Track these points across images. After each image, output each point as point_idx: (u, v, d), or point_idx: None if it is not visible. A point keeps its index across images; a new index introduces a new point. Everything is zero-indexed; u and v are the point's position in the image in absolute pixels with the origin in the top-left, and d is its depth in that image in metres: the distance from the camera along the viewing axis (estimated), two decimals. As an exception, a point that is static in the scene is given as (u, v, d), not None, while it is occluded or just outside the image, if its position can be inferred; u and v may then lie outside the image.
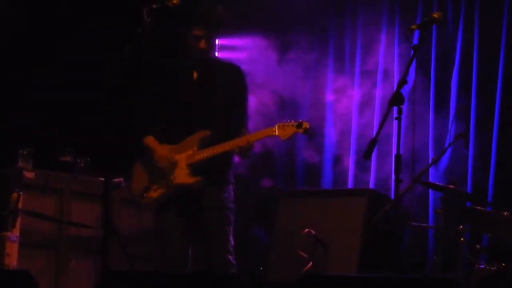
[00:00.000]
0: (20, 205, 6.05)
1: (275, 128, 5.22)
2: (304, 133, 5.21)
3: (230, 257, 5.35)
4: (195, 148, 5.33)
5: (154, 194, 5.38)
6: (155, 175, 5.41)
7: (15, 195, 6.06)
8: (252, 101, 6.46)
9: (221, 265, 5.29)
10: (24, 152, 6.40)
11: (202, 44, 5.35)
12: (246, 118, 5.51)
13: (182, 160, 5.34)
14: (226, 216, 5.40)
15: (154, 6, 4.83)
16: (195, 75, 5.47)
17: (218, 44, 8.10)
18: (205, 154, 5.30)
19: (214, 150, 5.29)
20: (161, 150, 5.38)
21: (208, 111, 5.40)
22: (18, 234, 6.05)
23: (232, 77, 5.50)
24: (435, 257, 6.29)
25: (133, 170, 5.52)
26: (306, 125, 5.16)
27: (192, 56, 5.43)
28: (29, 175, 6.31)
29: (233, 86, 5.48)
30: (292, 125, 5.18)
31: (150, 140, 5.42)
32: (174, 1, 4.94)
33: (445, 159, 7.11)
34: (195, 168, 5.32)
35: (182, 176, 5.34)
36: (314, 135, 5.34)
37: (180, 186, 5.33)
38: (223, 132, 5.34)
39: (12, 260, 6.01)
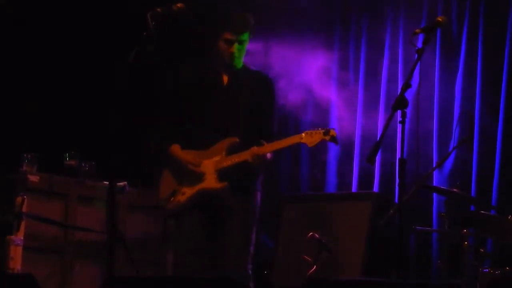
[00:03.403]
0: (24, 209, 6.06)
1: (303, 135, 5.26)
2: (330, 141, 5.24)
3: (249, 268, 5.37)
4: (223, 154, 5.34)
5: (182, 198, 5.39)
6: (183, 181, 5.42)
7: (19, 199, 6.08)
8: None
9: (237, 273, 5.29)
10: (29, 156, 6.41)
11: (233, 48, 5.39)
12: (273, 126, 5.56)
13: (210, 166, 5.36)
14: (251, 225, 5.43)
15: (159, 10, 4.83)
16: (225, 80, 5.50)
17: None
18: (231, 161, 5.31)
19: (242, 156, 5.30)
20: (187, 156, 5.38)
21: (237, 116, 5.43)
22: (22, 238, 6.07)
23: (261, 85, 5.55)
24: (439, 261, 6.28)
25: (161, 176, 5.53)
26: (333, 132, 5.21)
27: (222, 61, 5.45)
28: (33, 179, 6.33)
29: (262, 94, 5.53)
30: (320, 132, 5.22)
31: (176, 149, 5.43)
32: (179, 5, 4.95)
33: (449, 163, 7.10)
34: (222, 174, 5.33)
35: (209, 181, 5.35)
36: (338, 143, 5.40)
37: (207, 191, 5.35)
38: (251, 139, 5.35)
39: (16, 264, 6.03)
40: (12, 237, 6.05)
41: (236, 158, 5.31)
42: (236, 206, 5.37)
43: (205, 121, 5.45)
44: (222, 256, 5.37)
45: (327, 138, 5.20)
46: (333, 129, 5.24)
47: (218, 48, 5.47)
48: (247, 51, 5.59)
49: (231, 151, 5.34)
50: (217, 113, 5.44)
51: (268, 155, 5.35)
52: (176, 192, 5.42)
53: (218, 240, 5.39)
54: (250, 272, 5.40)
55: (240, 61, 5.53)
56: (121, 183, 6.66)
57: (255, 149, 5.25)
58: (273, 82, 5.63)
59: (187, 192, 5.38)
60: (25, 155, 6.42)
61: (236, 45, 5.41)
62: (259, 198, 5.51)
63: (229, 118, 5.42)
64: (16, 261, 6.05)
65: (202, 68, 5.67)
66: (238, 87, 5.48)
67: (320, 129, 5.25)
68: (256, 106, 5.47)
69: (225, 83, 5.51)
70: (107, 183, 4.65)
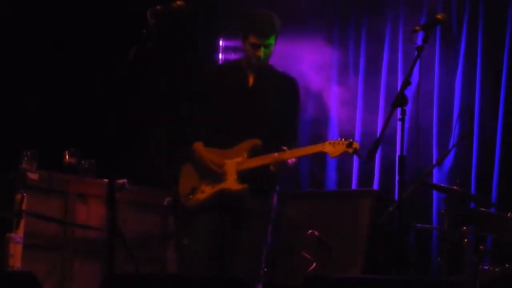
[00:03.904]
0: (24, 207, 6.06)
1: (326, 144, 5.25)
2: (353, 153, 5.23)
3: (261, 270, 5.38)
4: (245, 156, 5.35)
5: (201, 196, 5.40)
6: (204, 179, 5.43)
7: (19, 196, 6.08)
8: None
9: (248, 273, 5.31)
10: (28, 153, 6.41)
11: (259, 52, 5.39)
12: (298, 128, 5.58)
13: (231, 166, 5.36)
14: (267, 227, 5.45)
15: (158, 7, 4.84)
16: (251, 81, 5.51)
17: (223, 45, 8.14)
18: (254, 163, 5.32)
19: (264, 160, 5.30)
20: (210, 155, 5.39)
21: (261, 118, 5.44)
22: (22, 236, 6.06)
23: (287, 87, 5.55)
24: (439, 259, 6.29)
25: (181, 173, 5.54)
26: (356, 145, 5.19)
27: (248, 62, 5.47)
28: (33, 176, 6.31)
29: (287, 96, 5.53)
30: (343, 144, 5.20)
31: (199, 146, 5.44)
32: (178, 3, 4.95)
33: (449, 160, 7.11)
34: (243, 176, 5.34)
35: (230, 182, 5.36)
36: (361, 157, 5.42)
37: (227, 192, 5.36)
38: (274, 141, 5.35)
39: (16, 261, 6.02)
40: (12, 234, 6.05)
41: (257, 162, 5.31)
42: (254, 208, 5.37)
43: (229, 121, 5.46)
44: (236, 256, 5.37)
45: (350, 150, 5.18)
46: (356, 141, 5.21)
47: (244, 51, 5.50)
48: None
49: (253, 153, 5.34)
50: (241, 114, 5.45)
51: (291, 160, 5.33)
52: (195, 189, 5.43)
53: (233, 240, 5.39)
54: (261, 272, 5.42)
55: (266, 62, 5.52)
56: (120, 181, 6.66)
57: (275, 155, 5.24)
58: (298, 83, 5.62)
59: (207, 190, 5.39)
60: (24, 152, 6.42)
61: (262, 49, 5.41)
62: (275, 200, 5.52)
63: (253, 119, 5.43)
64: (16, 259, 6.04)
65: (228, 68, 5.70)
66: (264, 88, 5.49)
67: (343, 140, 5.23)
68: (281, 108, 5.47)
69: (250, 84, 5.51)
70: (107, 180, 4.65)
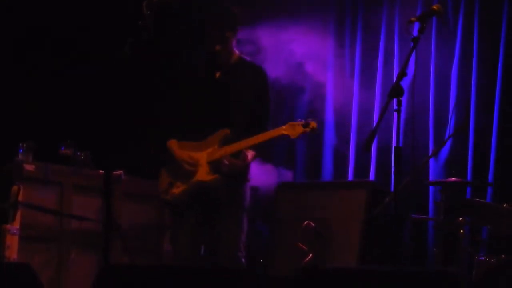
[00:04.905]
0: (20, 198, 6.06)
1: (286, 126, 5.28)
2: (311, 132, 5.25)
3: (240, 254, 5.40)
4: (216, 146, 5.38)
5: (177, 190, 5.44)
6: (179, 173, 5.46)
7: (15, 188, 6.08)
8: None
9: (230, 261, 5.33)
10: (25, 145, 6.40)
11: (216, 45, 5.40)
12: (267, 118, 5.56)
13: (203, 158, 5.40)
14: (240, 213, 5.47)
15: (154, -1, 4.83)
16: (217, 74, 5.52)
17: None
18: (223, 152, 5.34)
19: (232, 148, 5.33)
20: (181, 153, 5.44)
21: (230, 109, 5.45)
22: (18, 227, 6.07)
23: (254, 77, 5.55)
24: (435, 249, 6.30)
25: (161, 169, 5.58)
26: (313, 124, 5.22)
27: (214, 56, 5.48)
28: (29, 168, 6.31)
29: (255, 86, 5.53)
30: (300, 124, 5.23)
31: (172, 143, 5.48)
32: (172, -6, 4.95)
33: (445, 151, 7.11)
34: (215, 166, 5.36)
35: (201, 173, 5.39)
36: (316, 133, 5.43)
37: (199, 184, 5.39)
38: (244, 130, 5.39)
39: (12, 252, 6.03)
40: (8, 226, 6.05)
41: (226, 151, 5.35)
42: (226, 197, 5.40)
43: (199, 115, 5.48)
44: (215, 246, 5.41)
45: (307, 130, 5.22)
46: (313, 120, 5.24)
47: (206, 45, 5.50)
48: (241, 40, 5.59)
49: (224, 143, 5.37)
50: (209, 107, 5.48)
51: (251, 155, 5.39)
52: (172, 184, 5.48)
53: (210, 231, 5.43)
54: (243, 260, 5.43)
55: (228, 55, 5.53)
56: (117, 172, 6.66)
57: (253, 140, 5.28)
58: (266, 72, 5.62)
59: (181, 185, 5.44)
60: (20, 144, 6.42)
61: (219, 42, 5.42)
62: (248, 188, 5.54)
63: (220, 111, 5.46)
64: (12, 250, 6.05)
65: (197, 62, 5.70)
66: (229, 80, 5.51)
67: (302, 120, 5.26)
68: (250, 99, 5.48)
69: (216, 77, 5.53)
70: (103, 172, 4.65)
